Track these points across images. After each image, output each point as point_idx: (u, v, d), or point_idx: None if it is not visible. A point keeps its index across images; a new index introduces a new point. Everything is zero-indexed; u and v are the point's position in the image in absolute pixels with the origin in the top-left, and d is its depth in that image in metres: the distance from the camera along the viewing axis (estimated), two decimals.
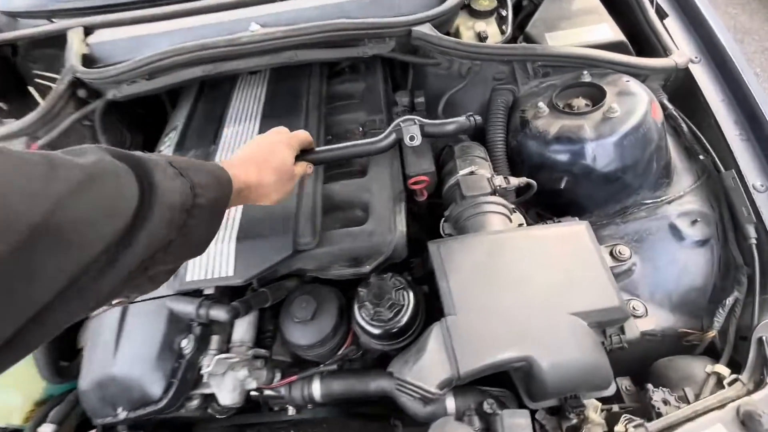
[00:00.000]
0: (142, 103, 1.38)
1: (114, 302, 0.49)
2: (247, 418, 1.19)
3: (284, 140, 0.73)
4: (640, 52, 1.07)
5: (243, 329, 0.83)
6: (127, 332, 0.80)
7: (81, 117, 1.10)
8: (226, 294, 0.85)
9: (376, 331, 0.75)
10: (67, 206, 0.35)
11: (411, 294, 0.77)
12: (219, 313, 0.77)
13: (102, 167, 0.40)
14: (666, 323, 0.88)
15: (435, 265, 0.76)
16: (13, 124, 1.07)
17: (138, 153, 0.47)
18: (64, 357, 1.02)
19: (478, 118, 0.94)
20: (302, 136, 0.79)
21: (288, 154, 0.72)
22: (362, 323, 0.76)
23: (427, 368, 0.67)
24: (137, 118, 1.38)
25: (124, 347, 0.78)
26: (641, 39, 1.08)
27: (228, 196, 0.57)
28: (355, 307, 0.77)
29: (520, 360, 0.68)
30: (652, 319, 0.87)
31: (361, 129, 1.08)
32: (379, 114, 1.07)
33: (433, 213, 1.15)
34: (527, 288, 0.73)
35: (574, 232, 0.78)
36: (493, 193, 0.85)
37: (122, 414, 0.80)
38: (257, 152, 0.69)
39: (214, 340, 0.81)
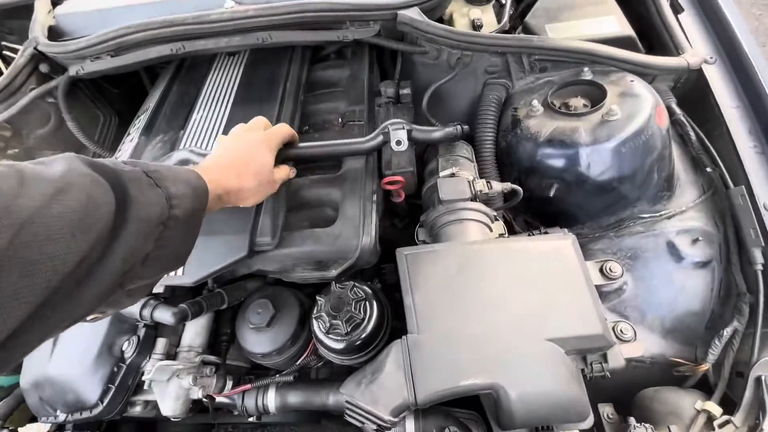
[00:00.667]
0: (115, 81, 1.31)
1: (89, 318, 0.47)
2: (211, 416, 1.15)
3: (264, 141, 0.70)
4: (650, 50, 0.97)
5: (193, 333, 0.77)
6: (67, 332, 0.74)
7: (42, 93, 1.02)
8: (180, 293, 0.79)
9: (335, 345, 0.69)
10: (36, 223, 0.33)
11: (374, 306, 0.70)
12: (164, 315, 0.70)
13: (71, 180, 0.38)
14: (656, 349, 0.81)
15: (401, 276, 0.68)
16: None
17: (112, 162, 0.45)
18: None
19: (466, 126, 0.87)
20: (283, 132, 0.76)
21: (269, 158, 0.70)
22: (319, 335, 0.69)
23: (382, 391, 0.60)
24: (111, 97, 1.31)
25: (61, 346, 0.73)
26: (652, 35, 0.98)
27: (204, 205, 0.55)
28: (313, 316, 0.71)
29: (486, 388, 0.61)
30: (640, 344, 0.79)
31: (340, 120, 0.99)
32: (360, 104, 0.99)
33: (414, 214, 1.07)
34: (501, 308, 0.65)
35: (558, 247, 0.70)
36: (474, 198, 0.77)
37: (61, 416, 0.75)
38: (236, 156, 0.66)
39: (160, 343, 0.75)
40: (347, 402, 0.61)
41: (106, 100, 1.28)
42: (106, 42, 0.95)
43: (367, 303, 0.70)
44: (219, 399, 0.80)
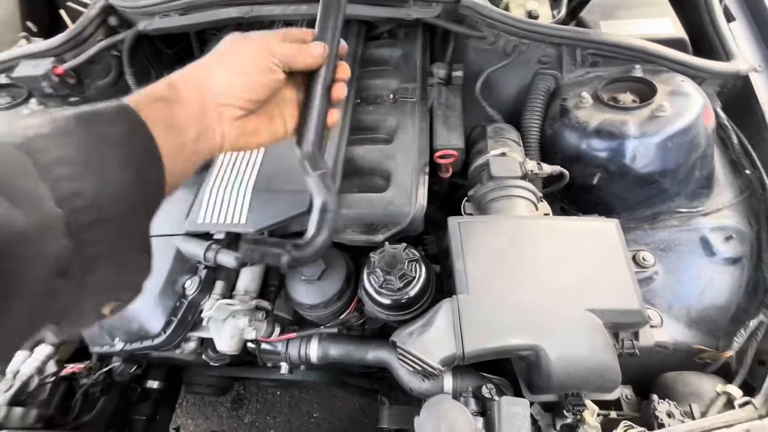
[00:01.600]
0: (171, 41, 1.36)
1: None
2: (237, 371, 1.20)
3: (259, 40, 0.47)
4: (698, 54, 1.00)
5: (248, 279, 0.82)
6: None
7: (109, 45, 1.07)
8: (235, 241, 0.84)
9: (384, 300, 0.73)
10: None
11: (423, 268, 0.75)
12: (227, 259, 0.75)
13: None
14: (680, 337, 0.85)
15: (452, 242, 0.73)
16: (41, 43, 1.05)
17: None
18: None
19: None
20: (296, 34, 0.50)
21: (257, 48, 0.45)
22: (370, 290, 0.74)
23: (432, 342, 0.65)
24: (165, 57, 1.35)
25: None
26: (702, 39, 1.01)
27: (155, 184, 0.36)
28: (365, 272, 0.75)
29: (528, 348, 0.65)
30: (666, 330, 0.84)
31: (392, 96, 1.04)
32: (412, 83, 1.03)
33: (453, 193, 1.12)
34: (545, 278, 0.70)
35: (603, 228, 0.74)
36: (523, 177, 0.81)
37: (119, 345, 0.80)
38: (200, 65, 0.44)
39: (219, 285, 0.80)
40: (399, 348, 0.66)
41: (159, 59, 1.33)
42: (177, 0, 0.99)
43: (417, 264, 0.74)
44: (264, 345, 0.85)
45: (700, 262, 0.85)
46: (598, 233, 0.74)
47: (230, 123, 0.44)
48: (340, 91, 0.53)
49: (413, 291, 0.73)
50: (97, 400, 0.93)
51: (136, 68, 1.19)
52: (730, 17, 1.02)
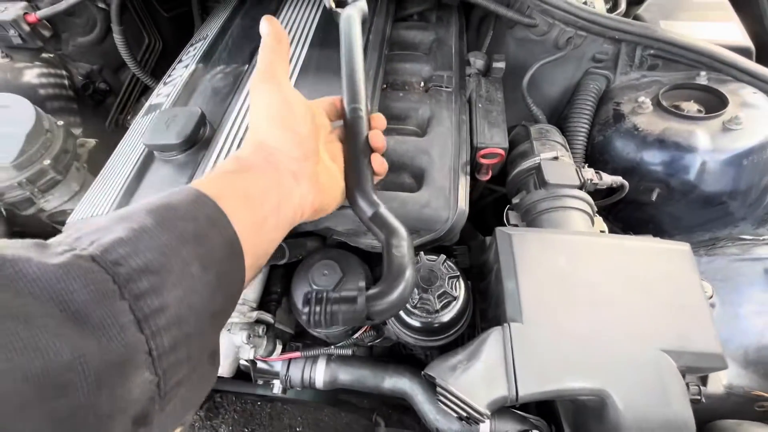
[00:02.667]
0: (169, 2, 1.20)
1: None
2: (221, 383, 1.05)
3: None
4: (759, 64, 0.92)
5: (249, 286, 0.68)
6: None
7: None
8: None
9: (414, 322, 0.61)
10: None
11: (463, 286, 0.63)
12: None
13: None
14: (735, 380, 0.76)
15: (502, 257, 0.61)
16: None
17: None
18: None
19: None
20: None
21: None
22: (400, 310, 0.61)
23: (479, 382, 0.53)
24: (160, 20, 1.19)
25: None
26: (763, 49, 0.92)
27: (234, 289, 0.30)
28: None
29: (593, 393, 0.54)
30: (720, 373, 0.74)
31: (422, 84, 0.91)
32: (448, 71, 0.91)
33: (479, 198, 1.00)
34: (612, 307, 0.58)
35: (675, 252, 0.63)
36: (581, 187, 0.70)
37: None
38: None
39: None
40: (440, 387, 0.53)
41: (154, 22, 1.16)
42: None
43: (458, 281, 0.62)
44: (261, 365, 0.71)
45: (763, 297, 0.76)
46: (670, 258, 0.63)
47: (307, 180, 0.39)
48: (377, 139, 0.48)
49: (451, 314, 0.61)
50: None
51: (126, 27, 1.02)
52: None
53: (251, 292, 0.68)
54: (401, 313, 0.61)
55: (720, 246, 0.80)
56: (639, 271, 0.62)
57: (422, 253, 0.63)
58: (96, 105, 1.07)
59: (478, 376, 0.53)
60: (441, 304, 0.59)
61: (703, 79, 0.82)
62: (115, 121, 1.12)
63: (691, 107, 0.80)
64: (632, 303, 0.59)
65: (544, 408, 0.68)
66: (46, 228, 0.99)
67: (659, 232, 0.84)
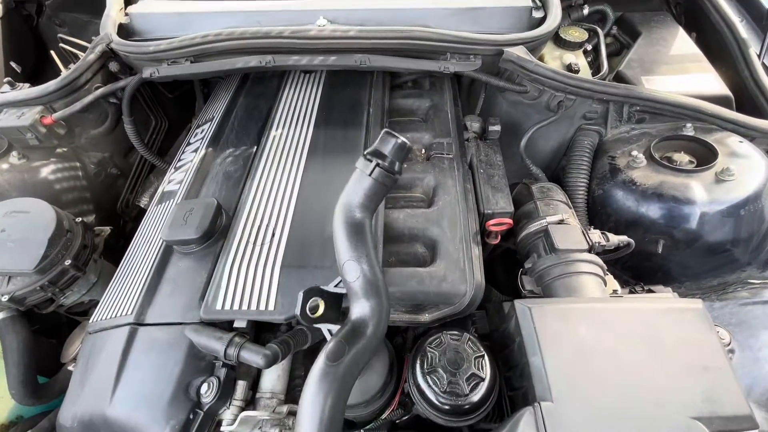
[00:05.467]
0: (174, 85, 1.26)
1: None
2: None
3: None
4: (740, 111, 0.97)
5: (275, 376, 0.68)
6: (133, 364, 0.64)
7: (108, 93, 0.96)
8: (249, 327, 0.71)
9: (444, 406, 0.61)
10: None
11: (489, 363, 0.63)
12: (253, 357, 0.62)
13: None
14: (764, 425, 0.75)
15: (525, 332, 0.62)
16: (31, 90, 0.92)
17: None
18: (42, 371, 0.86)
19: None
20: None
21: None
22: (428, 393, 0.61)
23: None
24: (165, 102, 1.24)
25: (126, 384, 0.63)
26: (743, 97, 0.98)
27: None
28: (419, 369, 0.63)
29: None
30: None
31: (423, 151, 0.95)
32: (447, 137, 0.95)
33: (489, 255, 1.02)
34: (638, 377, 0.59)
35: (690, 311, 0.65)
36: (589, 250, 0.72)
37: None
38: None
39: (240, 386, 0.66)
40: None
41: (159, 104, 1.22)
42: (191, 47, 0.89)
43: (484, 360, 0.63)
44: None
45: None
46: (686, 317, 0.65)
47: None
48: None
49: (479, 394, 0.61)
50: None
51: (135, 115, 1.07)
52: None
53: (279, 384, 0.68)
54: (430, 395, 0.62)
55: (731, 291, 0.82)
56: (658, 334, 0.63)
57: (444, 331, 0.65)
58: (107, 189, 1.10)
59: None
60: (470, 387, 0.60)
61: (689, 130, 0.87)
62: (126, 202, 1.15)
63: (682, 158, 0.84)
64: (656, 370, 0.60)
65: None
66: (61, 319, 0.99)
67: (668, 279, 0.86)
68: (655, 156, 0.84)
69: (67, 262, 0.78)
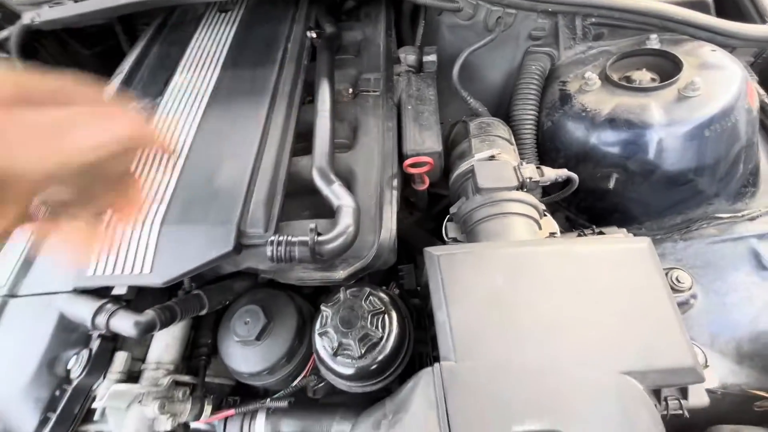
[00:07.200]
0: (87, 40, 1.13)
1: None
2: None
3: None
4: (721, 17, 0.82)
5: (163, 345, 0.61)
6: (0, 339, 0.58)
7: None
8: (149, 294, 0.63)
9: (344, 370, 0.54)
10: None
11: (394, 320, 0.55)
12: (123, 324, 0.54)
13: None
14: (730, 377, 0.67)
15: (432, 283, 0.53)
16: None
17: None
18: None
19: None
20: None
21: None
22: (324, 357, 0.54)
23: None
24: (82, 60, 1.12)
25: None
26: (724, 0, 0.82)
27: None
28: (316, 331, 0.55)
29: None
30: (712, 372, 0.66)
31: (350, 90, 0.83)
32: (375, 72, 0.83)
33: (434, 203, 0.92)
34: (562, 330, 0.50)
35: (632, 251, 0.55)
36: (521, 187, 0.62)
37: None
38: None
39: (120, 358, 0.59)
40: None
41: (74, 63, 1.10)
42: None
43: (385, 316, 0.54)
44: (195, 426, 0.65)
45: (750, 280, 0.67)
46: (628, 259, 0.55)
47: None
48: None
49: (381, 355, 0.53)
50: None
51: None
52: None
53: (166, 353, 0.61)
54: (329, 361, 0.54)
55: (695, 228, 0.71)
56: (592, 281, 0.53)
57: (341, 288, 0.56)
58: None
59: (406, 431, 0.46)
60: (364, 348, 0.52)
61: (654, 42, 0.73)
62: None
63: (643, 77, 0.71)
64: (586, 320, 0.51)
65: None
66: None
67: (627, 219, 0.75)
68: (612, 76, 0.71)
69: None
